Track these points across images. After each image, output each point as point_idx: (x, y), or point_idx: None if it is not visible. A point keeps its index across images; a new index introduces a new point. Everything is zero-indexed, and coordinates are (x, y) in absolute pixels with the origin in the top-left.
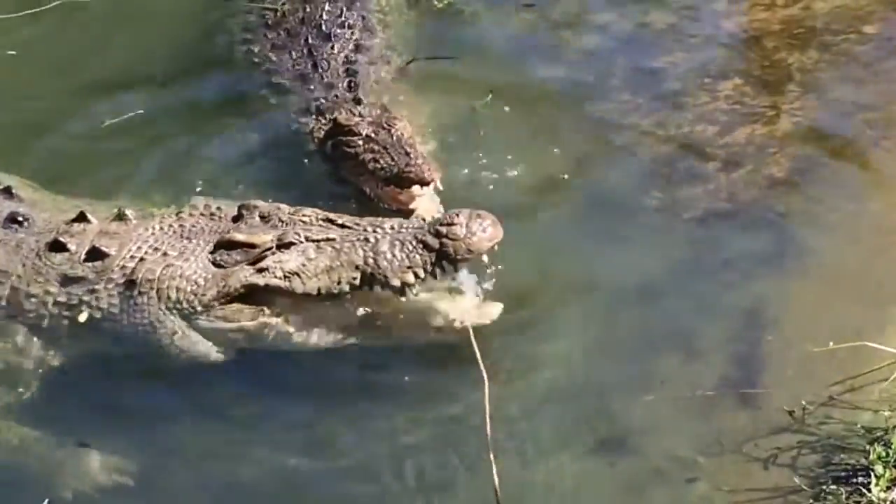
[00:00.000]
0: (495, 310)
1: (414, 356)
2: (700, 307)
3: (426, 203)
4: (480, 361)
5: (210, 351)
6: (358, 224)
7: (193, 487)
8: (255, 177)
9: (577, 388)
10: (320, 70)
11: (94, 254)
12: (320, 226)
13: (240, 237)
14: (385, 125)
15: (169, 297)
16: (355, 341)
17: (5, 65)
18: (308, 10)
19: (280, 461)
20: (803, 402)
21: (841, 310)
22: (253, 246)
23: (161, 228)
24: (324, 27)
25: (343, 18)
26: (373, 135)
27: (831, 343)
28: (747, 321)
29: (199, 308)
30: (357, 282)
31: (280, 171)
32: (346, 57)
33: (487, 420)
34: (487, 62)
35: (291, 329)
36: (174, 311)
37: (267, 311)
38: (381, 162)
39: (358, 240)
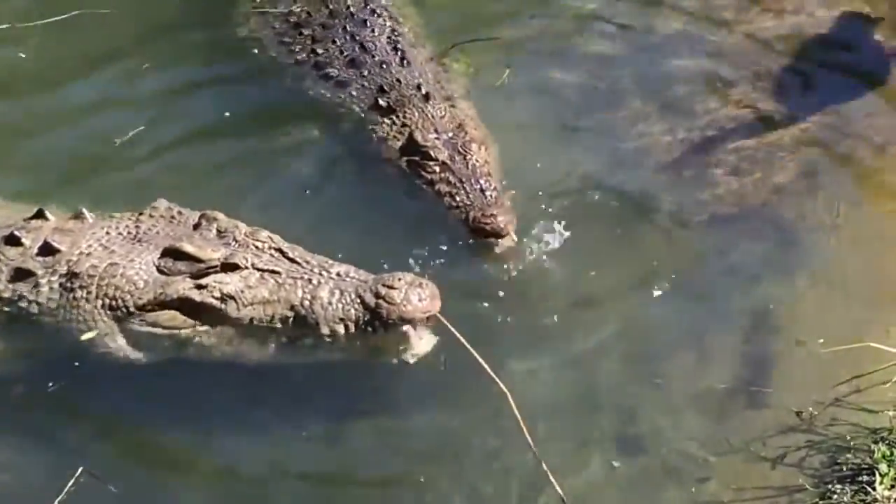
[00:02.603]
0: (427, 340)
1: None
2: (709, 310)
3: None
4: (494, 376)
5: (136, 355)
6: (308, 262)
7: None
8: (335, 185)
9: (589, 389)
10: (369, 51)
11: (46, 249)
12: (271, 255)
13: (188, 248)
14: (461, 150)
15: (106, 294)
16: (284, 360)
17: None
18: (331, 6)
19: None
20: (810, 405)
21: (847, 312)
22: (199, 260)
23: (117, 229)
24: (356, 15)
25: (370, 7)
26: (449, 162)
27: (837, 345)
28: (755, 323)
29: (132, 309)
30: (290, 321)
31: (361, 180)
32: (388, 38)
33: (528, 437)
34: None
35: (217, 343)
36: (108, 310)
37: (198, 323)
38: (457, 199)
39: (301, 279)
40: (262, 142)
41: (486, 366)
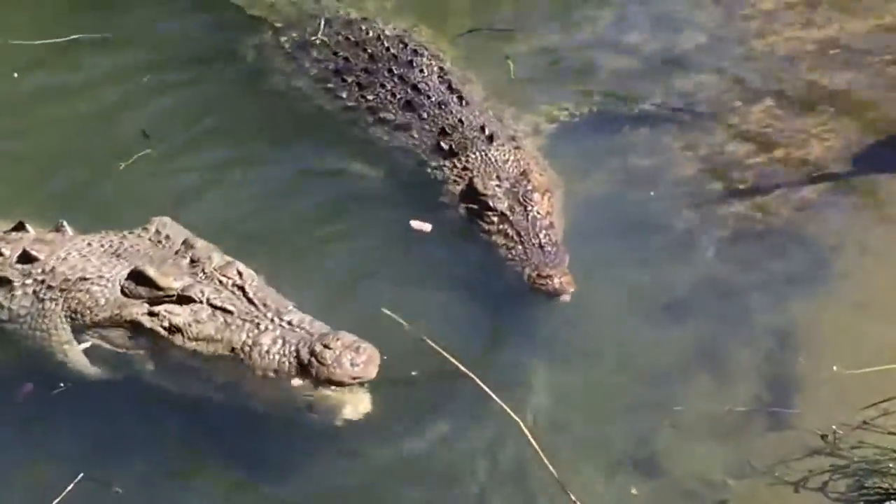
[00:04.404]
0: (363, 406)
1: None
2: (730, 328)
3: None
4: (506, 408)
5: (89, 369)
6: (265, 305)
7: None
8: (386, 226)
9: (607, 409)
10: (423, 91)
11: (25, 257)
12: (231, 292)
13: (150, 273)
14: (522, 200)
15: (69, 306)
16: (224, 399)
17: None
18: (370, 49)
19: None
20: (835, 428)
21: (873, 333)
22: (159, 287)
23: (99, 242)
24: (399, 56)
25: (411, 47)
26: (508, 213)
27: (863, 366)
28: (778, 343)
29: (88, 323)
30: (229, 362)
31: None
32: (439, 77)
33: (549, 466)
34: (517, 82)
35: (163, 370)
36: (69, 321)
37: (148, 348)
38: (513, 253)
39: (251, 322)
40: (303, 175)
41: (498, 400)
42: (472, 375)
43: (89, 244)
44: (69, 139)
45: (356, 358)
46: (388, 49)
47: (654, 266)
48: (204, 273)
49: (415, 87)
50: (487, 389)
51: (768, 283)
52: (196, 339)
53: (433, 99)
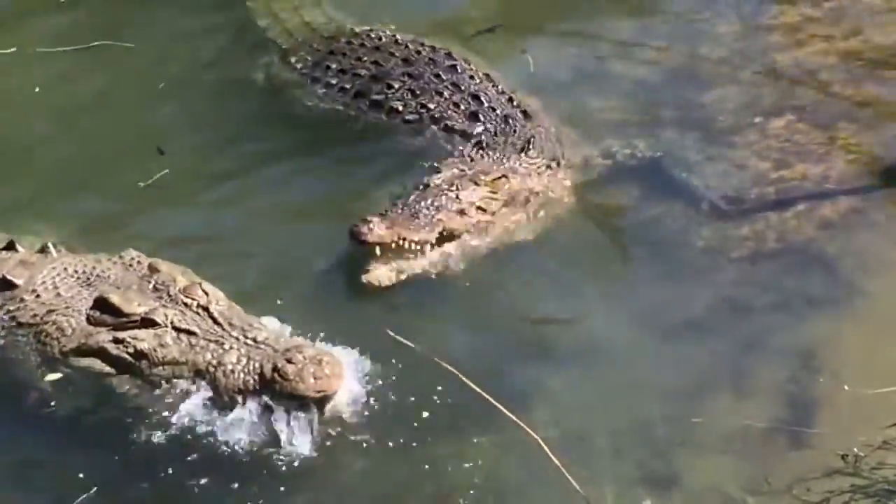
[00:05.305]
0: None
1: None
2: (749, 347)
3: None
4: (526, 427)
5: (59, 400)
6: (231, 325)
7: None
8: None
9: (626, 426)
10: (484, 101)
11: (4, 283)
12: (196, 313)
13: (113, 300)
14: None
15: (40, 340)
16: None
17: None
18: (396, 53)
19: None
20: (856, 448)
21: (894, 353)
22: (123, 313)
23: (73, 267)
24: (437, 61)
25: (438, 50)
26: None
27: (884, 386)
28: (798, 362)
29: (57, 355)
30: (195, 384)
31: None
32: (493, 86)
33: (574, 484)
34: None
35: (136, 396)
36: (38, 354)
37: (117, 374)
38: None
39: (215, 342)
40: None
41: (516, 419)
42: (490, 397)
43: (64, 269)
44: (88, 151)
45: (318, 371)
46: (419, 47)
47: (673, 284)
48: (169, 296)
49: (474, 96)
50: (507, 411)
51: (788, 302)
52: (162, 364)
53: (489, 105)
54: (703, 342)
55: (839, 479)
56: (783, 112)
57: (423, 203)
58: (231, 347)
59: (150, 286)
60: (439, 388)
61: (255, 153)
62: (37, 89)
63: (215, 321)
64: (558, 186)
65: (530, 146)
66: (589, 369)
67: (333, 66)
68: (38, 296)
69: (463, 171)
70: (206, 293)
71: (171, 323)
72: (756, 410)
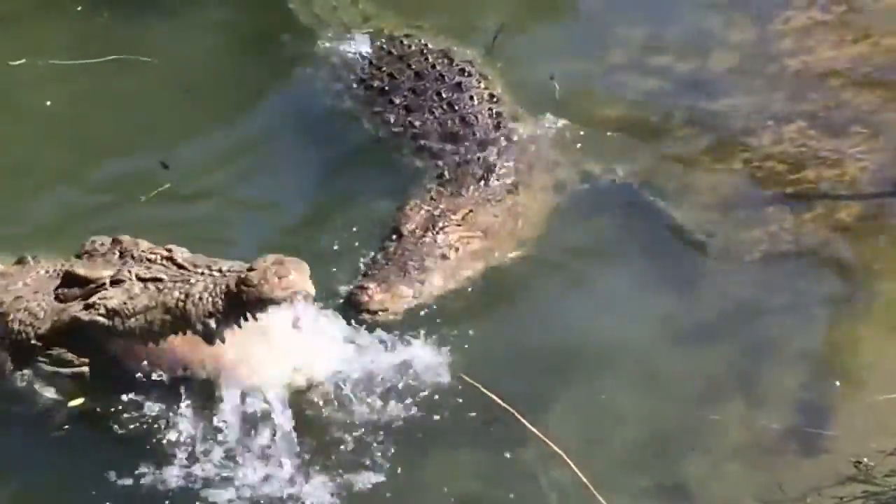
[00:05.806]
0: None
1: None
2: (762, 352)
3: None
4: (547, 441)
5: (43, 397)
6: (196, 266)
7: None
8: None
9: (636, 433)
10: (470, 124)
11: None
12: (162, 265)
13: (79, 271)
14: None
15: (12, 329)
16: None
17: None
18: (413, 66)
19: None
20: (869, 454)
21: None
22: (91, 281)
23: (46, 268)
24: (447, 77)
25: (455, 65)
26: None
27: None
28: (812, 367)
29: (33, 341)
30: (170, 325)
31: None
32: (489, 109)
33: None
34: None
35: (103, 377)
36: (16, 350)
37: (82, 363)
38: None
39: (181, 281)
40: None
41: (538, 433)
42: (513, 410)
43: (40, 271)
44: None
45: (280, 270)
46: (432, 58)
47: (685, 288)
48: (133, 257)
49: (462, 119)
50: (527, 423)
51: (801, 306)
52: (134, 315)
53: (477, 137)
54: (716, 347)
55: (852, 485)
56: (794, 118)
57: (405, 255)
58: (197, 281)
59: (116, 256)
60: (459, 400)
61: (263, 165)
62: (48, 103)
63: (180, 266)
64: (515, 211)
65: (489, 175)
66: (603, 378)
67: (375, 84)
68: (9, 294)
69: (430, 212)
70: (170, 249)
71: (137, 276)
72: (770, 416)
